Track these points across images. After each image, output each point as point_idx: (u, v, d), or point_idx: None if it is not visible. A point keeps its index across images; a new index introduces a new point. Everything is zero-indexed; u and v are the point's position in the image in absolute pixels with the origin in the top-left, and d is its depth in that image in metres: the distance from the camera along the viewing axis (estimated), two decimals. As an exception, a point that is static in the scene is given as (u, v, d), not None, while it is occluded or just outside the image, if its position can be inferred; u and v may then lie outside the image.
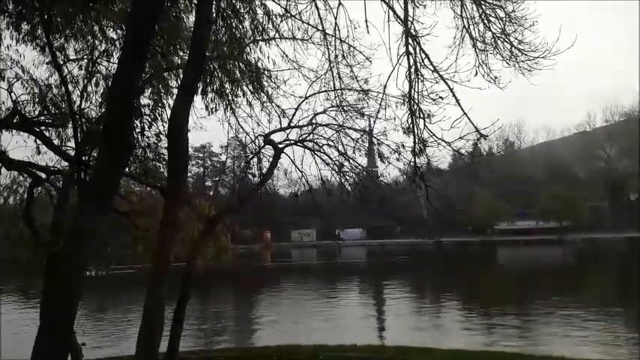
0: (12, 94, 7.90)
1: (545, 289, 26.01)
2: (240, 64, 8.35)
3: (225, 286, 30.90)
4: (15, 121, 7.81)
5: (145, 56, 5.21)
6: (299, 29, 7.78)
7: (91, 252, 5.58)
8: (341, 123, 9.14)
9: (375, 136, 9.03)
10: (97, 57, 7.72)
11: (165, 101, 8.44)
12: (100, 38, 7.72)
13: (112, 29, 7.72)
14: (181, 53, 8.29)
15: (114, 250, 14.59)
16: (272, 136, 9.13)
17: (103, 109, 7.45)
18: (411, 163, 7.81)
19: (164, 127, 7.88)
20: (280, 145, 8.98)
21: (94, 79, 7.79)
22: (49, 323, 5.22)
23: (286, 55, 8.28)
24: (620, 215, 69.10)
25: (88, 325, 16.08)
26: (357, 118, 9.06)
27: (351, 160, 9.23)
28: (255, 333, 18.04)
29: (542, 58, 6.36)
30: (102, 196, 5.07)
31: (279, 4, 7.56)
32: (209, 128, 9.48)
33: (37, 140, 8.09)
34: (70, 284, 5.18)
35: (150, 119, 7.80)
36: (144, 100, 8.17)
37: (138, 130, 7.70)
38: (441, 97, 6.51)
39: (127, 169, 9.04)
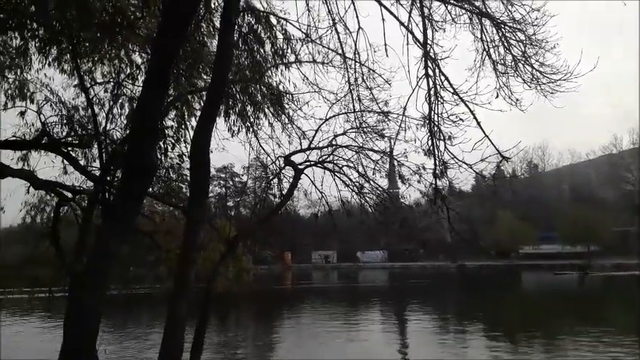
0: (41, 115, 8.17)
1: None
2: (262, 87, 8.47)
3: (245, 308, 30.74)
4: (43, 141, 8.03)
5: (168, 80, 5.33)
6: (319, 53, 7.86)
7: (113, 272, 5.64)
8: (361, 144, 9.14)
9: (395, 157, 8.99)
10: (123, 80, 7.94)
11: (188, 123, 8.61)
12: (126, 62, 7.96)
13: (137, 54, 7.95)
14: (205, 76, 8.46)
15: (136, 269, 14.67)
16: (292, 157, 9.16)
17: (128, 131, 7.61)
18: (432, 185, 7.75)
19: (187, 148, 8.01)
20: (300, 166, 9.00)
21: (119, 101, 8.01)
22: (72, 341, 5.27)
23: (307, 78, 8.36)
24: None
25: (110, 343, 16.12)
26: (377, 139, 9.05)
27: (371, 182, 9.20)
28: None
29: (564, 80, 6.28)
30: (125, 217, 5.15)
31: (299, 30, 7.67)
32: (231, 149, 9.58)
33: (64, 160, 8.30)
34: (93, 304, 5.25)
35: (173, 140, 7.95)
36: (168, 122, 8.35)
37: (162, 151, 7.84)
38: (461, 119, 6.47)
39: (150, 190, 9.21)
